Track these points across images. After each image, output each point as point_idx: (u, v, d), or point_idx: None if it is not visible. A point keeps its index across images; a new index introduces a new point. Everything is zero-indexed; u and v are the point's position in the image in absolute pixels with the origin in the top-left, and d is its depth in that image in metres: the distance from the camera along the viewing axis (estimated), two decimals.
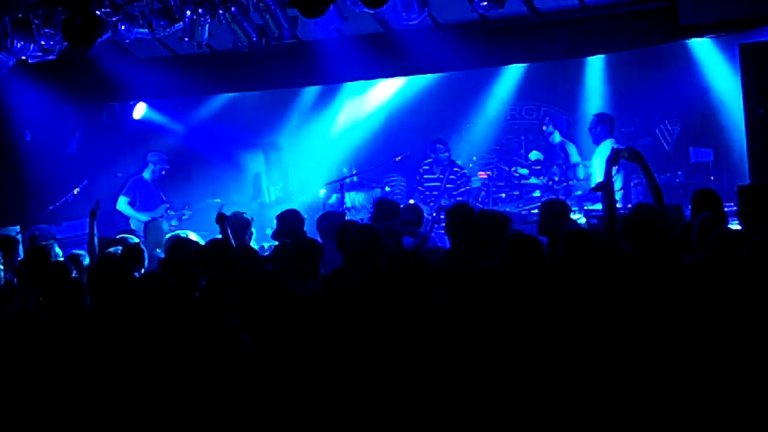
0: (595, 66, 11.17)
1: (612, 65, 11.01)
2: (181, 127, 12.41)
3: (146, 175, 10.69)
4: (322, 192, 11.15)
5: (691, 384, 3.92)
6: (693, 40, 9.65)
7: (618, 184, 8.86)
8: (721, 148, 10.62)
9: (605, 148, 9.36)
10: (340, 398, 3.91)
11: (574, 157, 10.86)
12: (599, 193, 7.39)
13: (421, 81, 11.77)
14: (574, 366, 4.01)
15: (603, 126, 9.84)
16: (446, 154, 10.73)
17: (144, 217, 10.18)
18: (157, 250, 7.83)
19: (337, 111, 12.42)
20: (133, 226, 9.94)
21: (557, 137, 11.09)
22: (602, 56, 10.78)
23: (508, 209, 10.14)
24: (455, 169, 10.76)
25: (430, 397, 3.77)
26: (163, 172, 10.78)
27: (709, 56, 10.30)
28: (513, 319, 4.41)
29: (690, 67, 10.53)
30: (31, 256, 7.08)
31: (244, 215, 7.68)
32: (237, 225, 7.35)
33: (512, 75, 11.65)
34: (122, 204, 10.46)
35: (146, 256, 7.09)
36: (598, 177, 9.38)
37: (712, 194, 6.54)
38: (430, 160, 10.78)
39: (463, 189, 10.68)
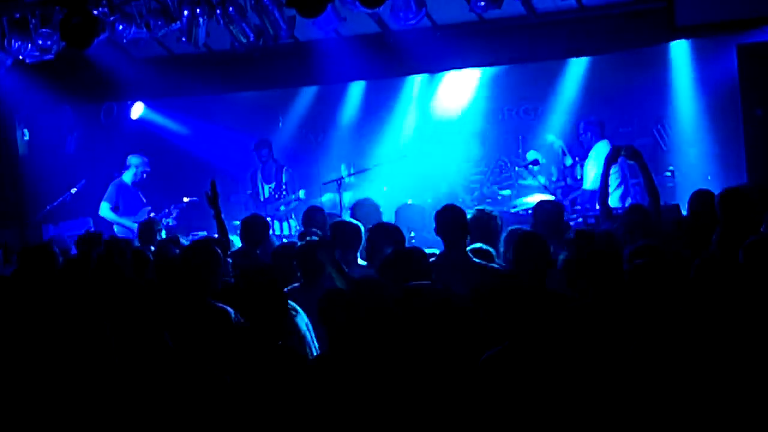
0: (596, 66, 11.17)
1: (610, 65, 11.00)
2: (177, 126, 12.39)
3: (126, 178, 10.51)
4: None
5: (689, 383, 3.92)
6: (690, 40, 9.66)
7: (614, 184, 8.86)
8: (718, 148, 10.61)
9: (600, 149, 9.35)
10: None
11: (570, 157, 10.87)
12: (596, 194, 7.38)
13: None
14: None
15: (593, 130, 9.82)
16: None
17: (128, 221, 10.07)
18: None
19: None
20: (116, 231, 9.84)
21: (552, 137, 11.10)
22: (600, 57, 10.77)
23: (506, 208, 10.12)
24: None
25: None
26: (145, 176, 10.56)
27: (706, 56, 10.29)
28: None
29: (688, 67, 10.53)
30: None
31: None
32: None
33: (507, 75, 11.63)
34: (105, 210, 10.22)
35: None
36: (590, 178, 9.37)
37: (710, 195, 6.50)
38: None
39: None
